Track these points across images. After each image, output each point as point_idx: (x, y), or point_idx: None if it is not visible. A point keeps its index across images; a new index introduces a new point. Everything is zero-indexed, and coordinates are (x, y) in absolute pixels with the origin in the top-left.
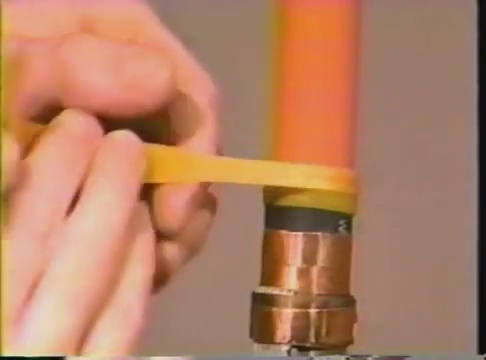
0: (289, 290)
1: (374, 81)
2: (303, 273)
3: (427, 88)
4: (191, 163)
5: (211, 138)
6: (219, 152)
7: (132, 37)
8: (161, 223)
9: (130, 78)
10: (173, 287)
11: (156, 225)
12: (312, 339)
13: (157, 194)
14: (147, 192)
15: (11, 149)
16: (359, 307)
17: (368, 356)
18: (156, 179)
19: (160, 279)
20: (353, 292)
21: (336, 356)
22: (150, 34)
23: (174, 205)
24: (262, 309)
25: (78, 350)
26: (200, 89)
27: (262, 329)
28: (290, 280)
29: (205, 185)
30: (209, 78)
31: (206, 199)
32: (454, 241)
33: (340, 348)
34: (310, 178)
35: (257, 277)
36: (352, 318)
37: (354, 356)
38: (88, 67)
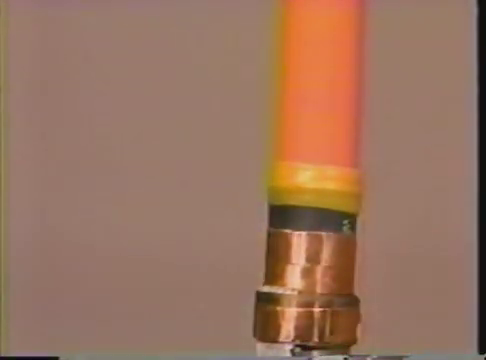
0: (293, 289)
1: (375, 81)
2: (307, 272)
3: (428, 88)
4: None
5: None
6: None
7: None
8: None
9: None
10: (177, 286)
11: None
12: (316, 338)
13: None
14: None
15: None
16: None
17: (367, 356)
18: None
19: None
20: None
21: (335, 356)
22: None
23: None
24: (266, 308)
25: None
26: None
27: (265, 328)
28: (294, 279)
29: None
30: None
31: None
32: (455, 242)
33: (344, 348)
34: (314, 177)
35: (261, 276)
36: (356, 318)
37: (352, 356)
38: None
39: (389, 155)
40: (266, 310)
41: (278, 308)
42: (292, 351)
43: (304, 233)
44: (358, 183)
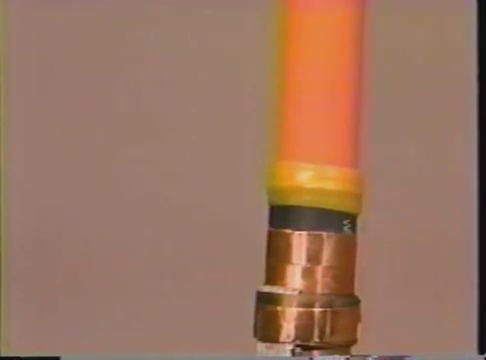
0: (293, 289)
1: (375, 81)
2: (308, 272)
3: (428, 87)
4: None
5: None
6: None
7: None
8: None
9: None
10: (177, 286)
11: None
12: (316, 338)
13: None
14: None
15: None
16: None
17: (367, 356)
18: None
19: None
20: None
21: (335, 356)
22: None
23: None
24: (266, 308)
25: None
26: None
27: (266, 328)
28: (294, 279)
29: None
30: None
31: None
32: (455, 242)
33: (344, 347)
34: (314, 178)
35: (261, 276)
36: (356, 318)
37: (353, 356)
38: None
39: (389, 155)
40: (267, 310)
41: (279, 308)
42: (292, 351)
43: (305, 233)
44: (358, 183)
